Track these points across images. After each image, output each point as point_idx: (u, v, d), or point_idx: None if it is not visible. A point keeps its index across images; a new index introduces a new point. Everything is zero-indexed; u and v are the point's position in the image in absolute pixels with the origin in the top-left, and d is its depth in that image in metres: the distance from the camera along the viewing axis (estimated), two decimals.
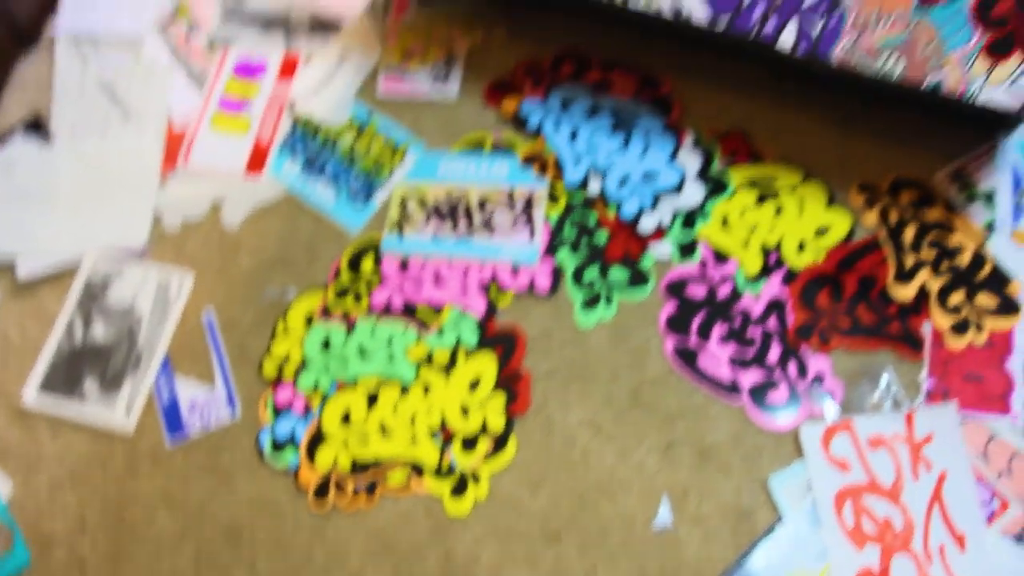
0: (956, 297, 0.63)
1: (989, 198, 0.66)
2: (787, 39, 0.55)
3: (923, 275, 0.64)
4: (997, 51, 0.52)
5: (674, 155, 0.69)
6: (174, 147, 0.75)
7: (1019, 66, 0.52)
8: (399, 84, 0.75)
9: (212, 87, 0.77)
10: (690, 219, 0.67)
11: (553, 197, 0.69)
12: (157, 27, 0.80)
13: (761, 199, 0.67)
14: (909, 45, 0.53)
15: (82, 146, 0.76)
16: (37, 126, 0.78)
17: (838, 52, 0.54)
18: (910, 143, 0.68)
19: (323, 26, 0.78)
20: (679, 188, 0.68)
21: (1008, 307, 0.62)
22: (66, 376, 0.68)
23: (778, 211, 0.67)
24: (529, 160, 0.71)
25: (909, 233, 0.65)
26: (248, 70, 0.77)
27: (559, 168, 0.70)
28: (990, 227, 0.65)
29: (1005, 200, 0.66)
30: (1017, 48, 0.52)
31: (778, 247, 0.66)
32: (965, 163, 0.68)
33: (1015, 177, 0.67)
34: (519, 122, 0.72)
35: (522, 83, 0.73)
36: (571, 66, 0.73)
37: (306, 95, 0.75)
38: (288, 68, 0.77)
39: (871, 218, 0.66)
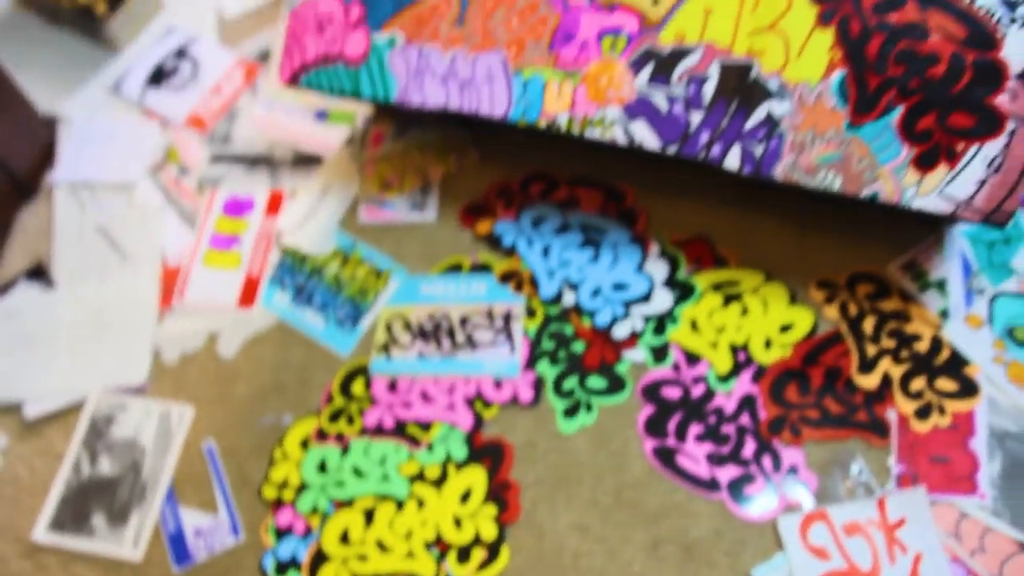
0: (918, 383, 0.66)
1: (941, 286, 0.70)
2: (732, 161, 0.59)
3: (885, 364, 0.67)
4: (924, 163, 0.57)
5: (642, 265, 0.73)
6: (170, 284, 0.79)
7: (947, 175, 0.57)
8: (379, 212, 0.79)
9: (203, 226, 0.81)
10: (661, 325, 0.71)
11: (530, 311, 0.73)
12: (149, 171, 0.85)
13: (727, 301, 0.71)
14: (844, 161, 0.58)
15: (82, 290, 0.80)
16: (39, 272, 0.82)
17: (780, 171, 0.59)
18: (864, 238, 0.72)
19: (305, 161, 0.83)
20: (648, 296, 0.72)
21: (968, 389, 0.66)
22: (75, 512, 0.71)
23: (744, 311, 0.71)
24: (505, 278, 0.75)
25: (869, 324, 0.69)
26: (237, 208, 0.82)
27: (534, 284, 0.74)
28: (944, 314, 0.69)
29: (956, 287, 0.70)
30: (942, 160, 0.56)
31: (746, 345, 0.69)
32: (916, 254, 0.72)
33: (964, 264, 0.71)
34: (494, 242, 0.77)
35: (495, 204, 0.78)
36: (540, 186, 0.78)
37: (292, 228, 0.79)
38: (274, 203, 0.81)
39: (832, 312, 0.70)
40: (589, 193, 0.77)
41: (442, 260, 0.77)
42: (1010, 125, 0.55)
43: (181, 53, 0.92)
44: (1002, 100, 0.55)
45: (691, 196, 0.76)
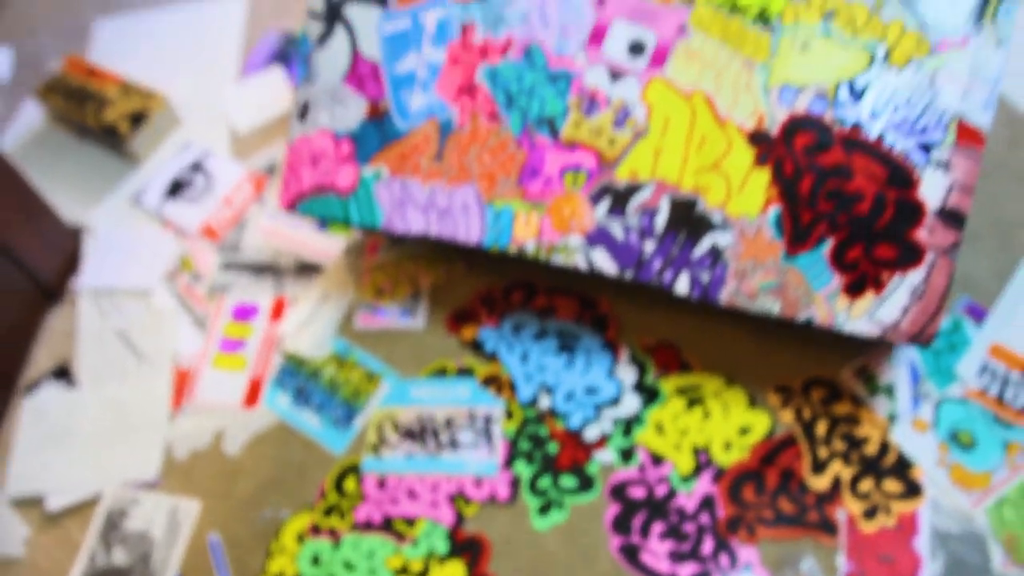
0: (866, 484, 0.71)
1: (890, 391, 0.75)
2: (682, 287, 0.66)
3: (836, 466, 0.72)
4: (854, 291, 0.63)
5: (612, 369, 0.79)
6: (181, 385, 0.86)
7: (874, 302, 0.62)
8: (373, 319, 0.86)
9: (213, 330, 0.88)
10: (629, 427, 0.76)
11: (509, 414, 0.79)
12: (165, 278, 0.93)
13: (691, 404, 0.77)
14: (782, 288, 0.64)
15: (103, 390, 0.87)
16: (63, 373, 0.89)
17: (724, 296, 0.65)
18: (819, 345, 0.78)
19: (307, 269, 0.90)
20: (618, 400, 0.78)
21: (912, 490, 0.70)
22: None
23: (706, 415, 0.76)
24: (487, 381, 0.81)
25: (821, 427, 0.74)
26: (243, 313, 0.89)
27: (513, 387, 0.80)
28: (892, 418, 0.74)
29: (904, 392, 0.75)
30: (870, 288, 0.62)
31: (707, 447, 0.75)
32: (867, 360, 0.77)
33: (912, 371, 0.76)
34: (477, 347, 0.83)
35: (479, 312, 0.84)
36: (521, 294, 0.85)
37: (293, 333, 0.86)
38: (278, 310, 0.88)
39: (787, 416, 0.75)
40: (565, 301, 0.84)
41: (430, 364, 0.83)
42: (929, 257, 0.61)
43: (196, 166, 1.00)
44: (921, 234, 0.61)
45: (660, 304, 0.82)
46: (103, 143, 1.03)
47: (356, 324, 0.87)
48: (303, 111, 0.74)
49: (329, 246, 0.91)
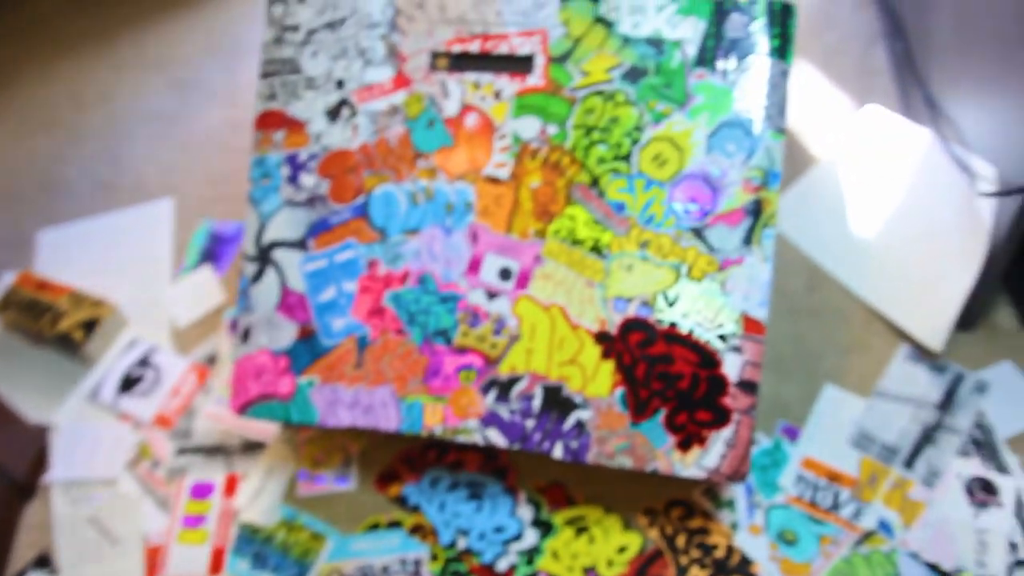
0: None
1: (731, 504, 0.97)
2: (558, 453, 0.86)
3: (694, 570, 0.92)
4: (684, 446, 0.84)
5: (514, 510, 0.98)
6: (153, 561, 1.01)
7: (700, 453, 0.83)
8: (313, 486, 1.03)
9: (175, 509, 1.04)
10: (531, 557, 0.95)
11: (434, 556, 0.97)
12: (127, 467, 1.08)
13: (578, 532, 0.96)
14: (632, 448, 0.84)
15: (82, 573, 1.01)
16: (45, 562, 1.04)
17: (590, 457, 0.85)
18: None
19: (252, 447, 1.07)
20: (520, 535, 0.97)
21: None
22: None
23: (591, 540, 0.96)
24: (414, 530, 0.99)
25: (681, 540, 0.95)
26: (201, 491, 1.05)
27: (435, 533, 0.98)
28: (734, 526, 0.95)
29: (741, 504, 0.97)
30: (695, 444, 0.83)
31: (595, 567, 0.94)
32: (693, 479, 0.98)
33: (746, 486, 0.98)
34: (403, 501, 1.01)
35: (401, 471, 1.03)
36: (435, 452, 1.03)
37: (246, 505, 1.03)
38: (231, 486, 1.05)
39: (654, 533, 0.96)
40: (472, 456, 1.03)
41: (365, 521, 1.01)
42: (735, 417, 0.83)
43: (144, 362, 1.16)
44: (727, 401, 0.83)
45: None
46: (57, 349, 1.18)
47: (299, 492, 1.04)
48: (245, 335, 0.92)
49: (269, 426, 1.08)
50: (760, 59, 0.83)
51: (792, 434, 1.00)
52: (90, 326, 1.16)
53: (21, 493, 1.08)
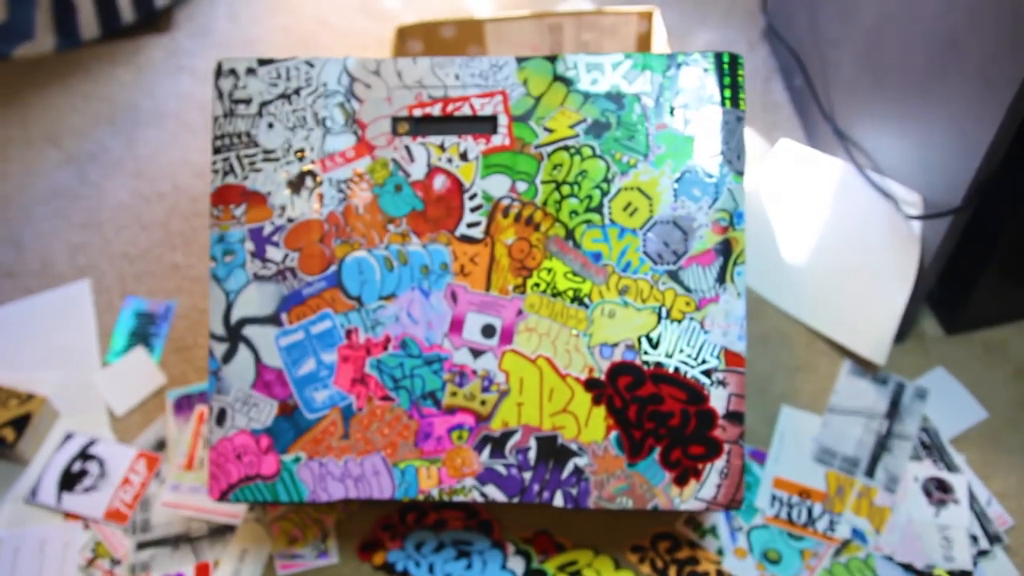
0: None
1: (714, 531, 1.00)
2: (559, 501, 0.87)
3: None
4: (681, 481, 0.86)
5: (504, 563, 0.98)
6: None
7: (696, 486, 0.86)
8: (292, 564, 1.00)
9: None
10: None
11: None
12: (82, 569, 1.01)
13: None
14: (631, 489, 0.86)
15: None
16: None
17: (591, 502, 0.86)
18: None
19: (220, 531, 1.03)
20: None
21: None
22: None
23: None
24: None
25: (672, 572, 0.97)
26: None
27: None
28: (720, 552, 0.99)
29: (723, 530, 1.00)
30: (691, 478, 0.86)
31: None
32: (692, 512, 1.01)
33: (726, 512, 1.01)
34: (390, 568, 0.99)
35: (382, 538, 1.01)
36: (414, 515, 1.02)
37: None
38: (203, 575, 1.00)
39: (646, 568, 0.98)
40: (452, 514, 1.02)
41: None
42: (727, 447, 0.86)
43: (85, 455, 1.09)
44: (718, 433, 0.86)
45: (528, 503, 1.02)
46: None
47: (278, 572, 1.00)
48: (220, 418, 0.89)
49: (233, 507, 1.04)
50: (714, 108, 0.88)
51: (760, 457, 1.05)
52: (20, 424, 1.09)
53: None
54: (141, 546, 1.03)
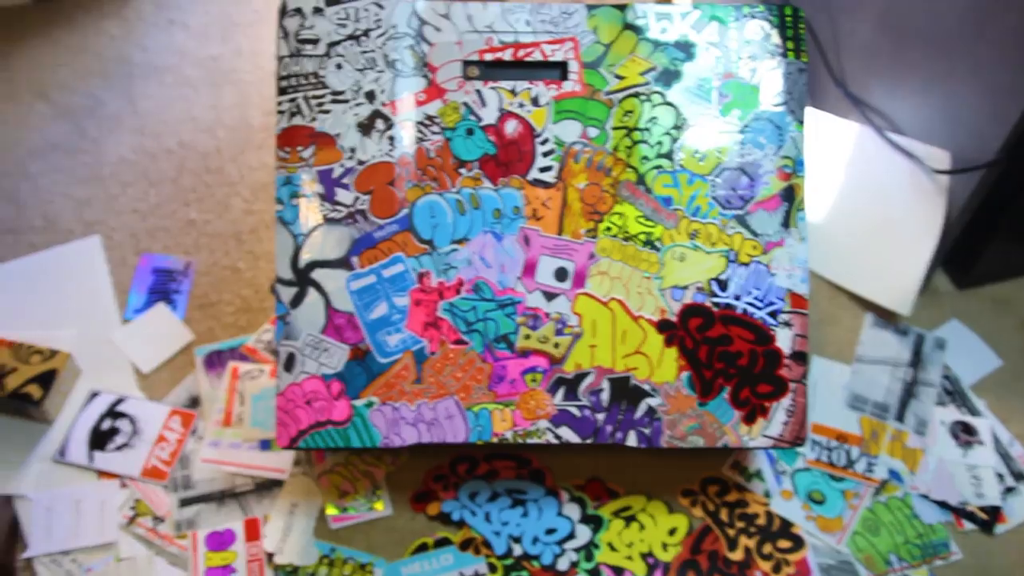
0: (767, 548, 0.97)
1: (759, 475, 1.03)
2: (632, 441, 0.88)
3: (743, 540, 0.98)
4: (750, 419, 0.89)
5: (560, 510, 0.99)
6: None
7: (764, 424, 0.89)
8: (345, 516, 0.99)
9: (195, 565, 0.96)
10: (589, 552, 0.97)
11: (492, 567, 0.96)
12: (124, 527, 0.99)
13: (628, 522, 0.99)
14: (702, 428, 0.89)
15: None
16: None
17: (664, 441, 0.88)
18: (701, 454, 1.04)
19: (267, 486, 1.01)
20: (572, 533, 0.98)
21: (798, 544, 0.98)
22: None
23: (641, 527, 0.99)
24: (464, 545, 0.98)
25: (724, 514, 1.00)
26: (219, 542, 0.98)
27: (488, 545, 0.97)
28: (767, 494, 1.02)
29: (768, 473, 1.03)
30: (759, 416, 0.89)
31: (652, 552, 0.97)
32: (737, 455, 1.04)
33: (769, 456, 1.05)
34: (444, 517, 0.99)
35: (435, 489, 1.01)
36: (465, 465, 1.02)
37: (276, 547, 0.97)
38: (252, 530, 0.98)
39: (698, 512, 1.00)
40: (503, 464, 1.03)
41: (410, 544, 0.98)
42: (792, 386, 0.89)
43: (115, 413, 1.06)
44: (784, 372, 0.89)
45: (576, 450, 1.04)
46: (5, 410, 1.05)
47: (331, 525, 0.99)
48: (288, 363, 0.88)
49: (278, 461, 1.02)
50: (778, 59, 0.91)
51: None
52: (46, 380, 1.05)
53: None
54: (184, 503, 1.01)
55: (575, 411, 0.89)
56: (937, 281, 1.20)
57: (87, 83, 1.41)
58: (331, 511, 0.99)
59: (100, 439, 1.05)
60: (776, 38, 0.91)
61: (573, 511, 1.00)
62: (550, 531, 0.98)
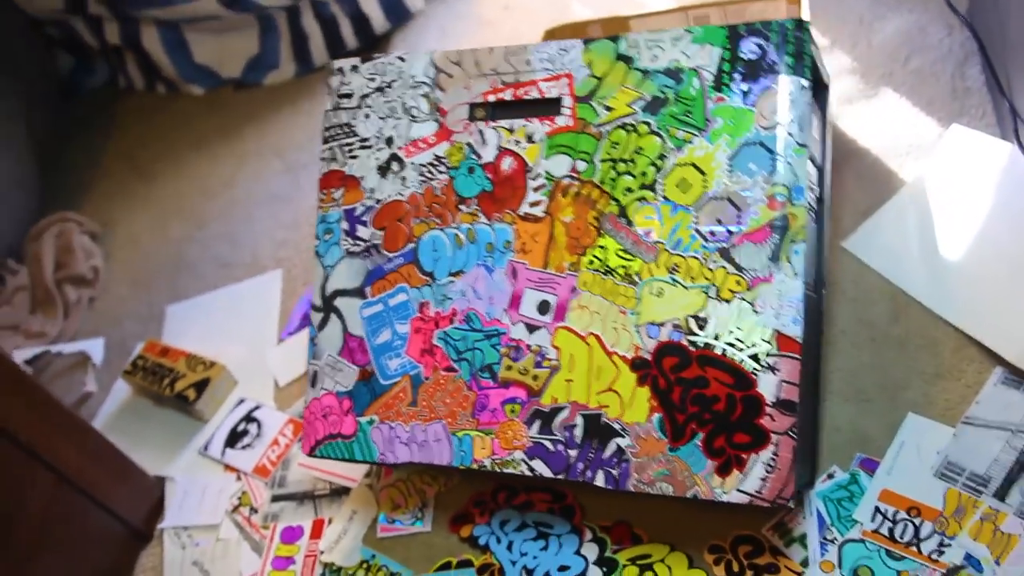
0: None
1: (802, 540, 0.92)
2: (600, 481, 0.86)
3: None
4: (723, 471, 0.82)
5: (579, 549, 0.98)
6: None
7: (740, 477, 0.81)
8: (391, 528, 1.07)
9: (268, 553, 1.10)
10: None
11: None
12: (228, 513, 1.16)
13: (642, 571, 0.94)
14: (672, 475, 0.83)
15: None
16: None
17: (631, 485, 0.84)
18: (744, 508, 0.95)
19: (339, 492, 1.12)
20: (584, 573, 0.96)
21: None
22: None
23: None
24: (482, 570, 1.00)
25: None
26: (291, 536, 1.11)
27: (502, 572, 0.99)
28: (805, 563, 0.91)
29: (814, 540, 0.92)
30: (734, 467, 0.81)
31: None
32: (783, 515, 0.94)
33: (819, 520, 0.93)
34: (474, 541, 1.03)
35: (473, 513, 1.05)
36: (504, 494, 1.05)
37: (330, 547, 1.07)
38: (317, 530, 1.10)
39: (720, 571, 0.92)
40: (540, 496, 1.03)
41: (437, 561, 1.03)
42: (774, 439, 0.80)
43: (249, 418, 1.25)
44: (766, 422, 0.81)
45: (612, 492, 1.01)
46: (176, 408, 1.29)
47: (378, 533, 1.07)
48: (313, 380, 0.99)
49: (355, 472, 1.13)
50: (776, 78, 0.83)
51: (871, 466, 0.95)
52: (201, 386, 1.26)
53: (138, 538, 1.18)
54: (275, 499, 1.16)
55: (549, 445, 0.88)
56: None
57: (312, 143, 1.65)
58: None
59: (233, 438, 1.24)
60: (773, 55, 0.84)
61: (591, 551, 0.98)
62: (563, 568, 0.97)
